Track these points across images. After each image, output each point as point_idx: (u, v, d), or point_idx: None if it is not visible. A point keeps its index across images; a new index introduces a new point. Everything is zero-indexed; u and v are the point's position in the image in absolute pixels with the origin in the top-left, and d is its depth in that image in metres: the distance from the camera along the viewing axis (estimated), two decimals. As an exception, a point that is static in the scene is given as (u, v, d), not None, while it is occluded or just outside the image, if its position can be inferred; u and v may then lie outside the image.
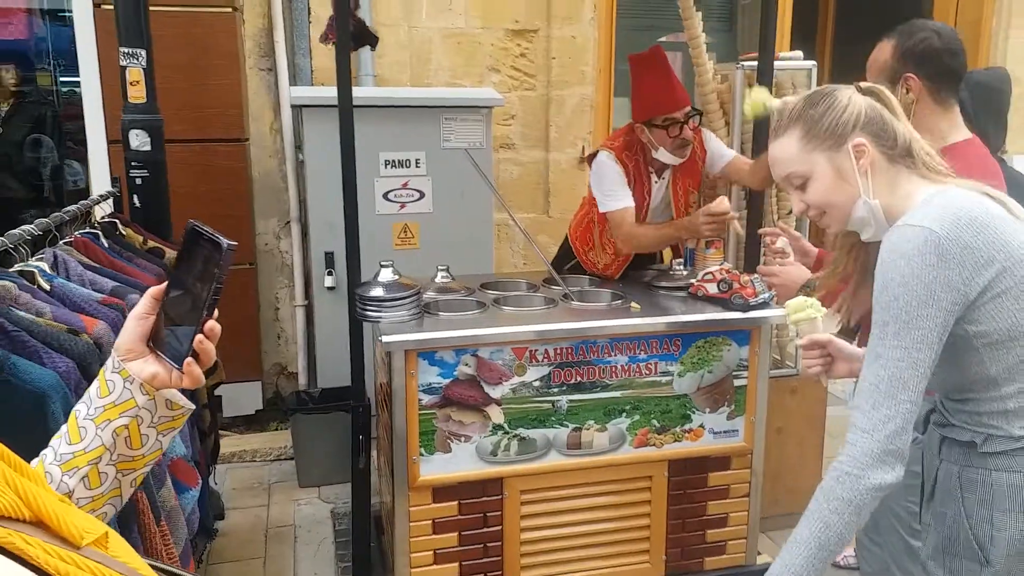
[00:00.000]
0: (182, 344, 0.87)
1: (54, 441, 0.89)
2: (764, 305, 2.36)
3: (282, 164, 3.87)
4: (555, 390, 2.25)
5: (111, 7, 2.61)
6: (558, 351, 2.23)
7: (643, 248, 2.74)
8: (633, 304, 2.39)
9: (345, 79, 2.25)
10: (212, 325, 0.88)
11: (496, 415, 2.22)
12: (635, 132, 2.62)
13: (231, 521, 3.07)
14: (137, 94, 2.54)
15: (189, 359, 0.87)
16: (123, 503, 0.92)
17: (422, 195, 3.50)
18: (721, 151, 2.73)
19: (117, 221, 2.38)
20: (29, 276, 1.68)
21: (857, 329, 1.72)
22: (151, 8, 2.68)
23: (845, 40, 5.26)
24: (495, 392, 2.21)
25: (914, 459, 1.37)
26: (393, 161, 3.44)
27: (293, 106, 3.61)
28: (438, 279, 2.53)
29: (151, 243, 2.48)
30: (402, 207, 3.49)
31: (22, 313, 1.51)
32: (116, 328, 1.67)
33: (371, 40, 3.14)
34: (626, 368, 2.29)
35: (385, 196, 3.46)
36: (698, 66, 2.98)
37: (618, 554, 2.39)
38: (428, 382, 2.15)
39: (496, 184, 3.58)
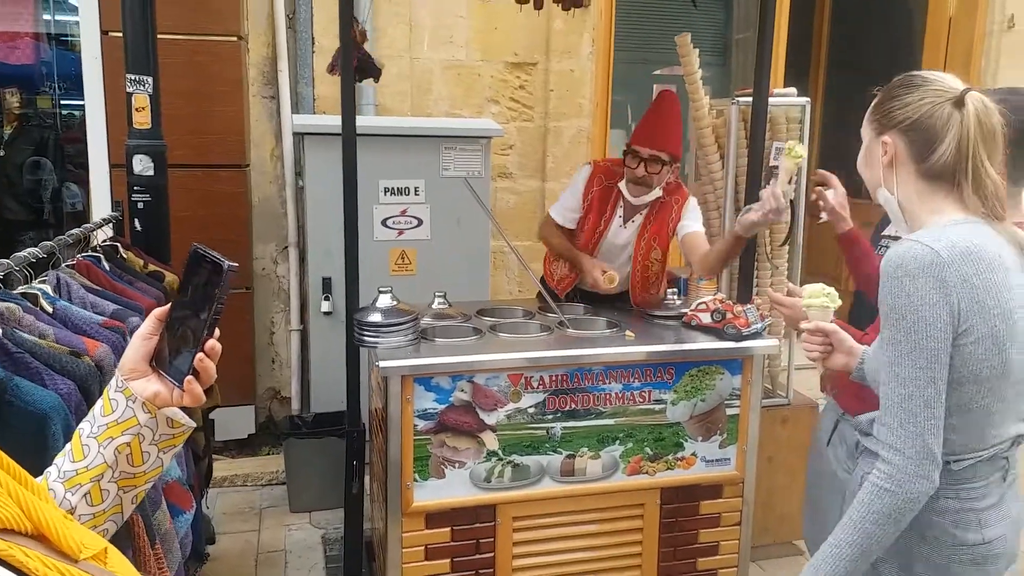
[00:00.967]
0: (183, 363, 0.90)
1: (58, 459, 0.91)
2: (757, 335, 2.39)
3: (282, 190, 3.91)
4: (549, 417, 2.26)
5: (119, 34, 2.65)
6: (553, 378, 2.25)
7: (548, 247, 2.94)
8: (628, 332, 2.42)
9: (350, 110, 2.27)
10: (213, 344, 0.90)
11: (491, 441, 2.23)
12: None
13: (221, 546, 3.05)
14: (142, 120, 2.58)
15: (189, 377, 0.90)
16: (124, 520, 0.94)
17: (420, 222, 3.54)
18: (689, 222, 2.68)
19: (118, 244, 2.41)
20: (32, 298, 1.69)
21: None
22: (157, 36, 2.73)
23: (838, 76, 5.36)
24: (490, 418, 2.22)
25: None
26: (392, 189, 3.49)
27: (295, 133, 3.65)
28: (435, 305, 2.55)
29: (151, 267, 2.50)
30: (400, 233, 3.53)
31: (25, 335, 1.53)
32: (117, 350, 1.69)
33: (375, 73, 3.21)
34: (620, 396, 2.31)
35: (383, 223, 3.50)
36: (694, 101, 3.05)
37: (610, 583, 2.39)
38: (424, 408, 2.17)
39: (493, 212, 3.62)
